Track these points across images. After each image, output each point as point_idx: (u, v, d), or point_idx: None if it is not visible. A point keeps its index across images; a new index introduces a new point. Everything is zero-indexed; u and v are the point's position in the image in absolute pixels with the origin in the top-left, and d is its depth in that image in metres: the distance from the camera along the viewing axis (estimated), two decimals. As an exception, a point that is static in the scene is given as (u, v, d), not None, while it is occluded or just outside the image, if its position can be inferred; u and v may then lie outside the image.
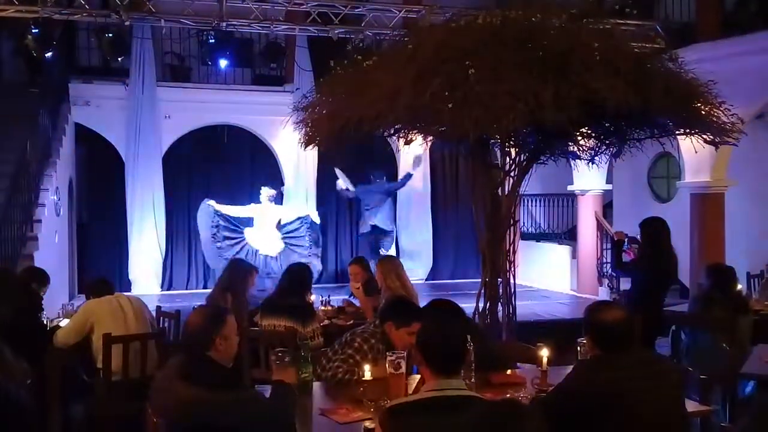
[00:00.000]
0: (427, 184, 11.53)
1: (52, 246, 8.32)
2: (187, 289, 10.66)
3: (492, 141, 5.67)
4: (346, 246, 11.53)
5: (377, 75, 5.00)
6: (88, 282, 5.94)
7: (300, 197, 10.73)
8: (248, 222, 9.62)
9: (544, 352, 3.54)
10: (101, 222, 10.66)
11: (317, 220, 10.12)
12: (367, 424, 2.78)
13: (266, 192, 9.56)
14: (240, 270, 5.44)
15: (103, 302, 4.79)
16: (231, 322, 2.87)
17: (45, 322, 5.23)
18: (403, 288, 5.30)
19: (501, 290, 5.72)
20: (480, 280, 5.93)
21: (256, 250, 9.33)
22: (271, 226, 9.61)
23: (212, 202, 9.47)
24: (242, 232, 9.44)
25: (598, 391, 2.69)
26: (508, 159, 5.75)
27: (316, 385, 3.55)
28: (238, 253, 9.09)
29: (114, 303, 4.79)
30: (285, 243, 9.58)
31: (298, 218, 9.85)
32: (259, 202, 9.67)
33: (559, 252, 11.21)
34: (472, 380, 3.27)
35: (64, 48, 9.90)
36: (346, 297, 6.60)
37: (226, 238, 9.35)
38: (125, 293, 5.83)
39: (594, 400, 2.68)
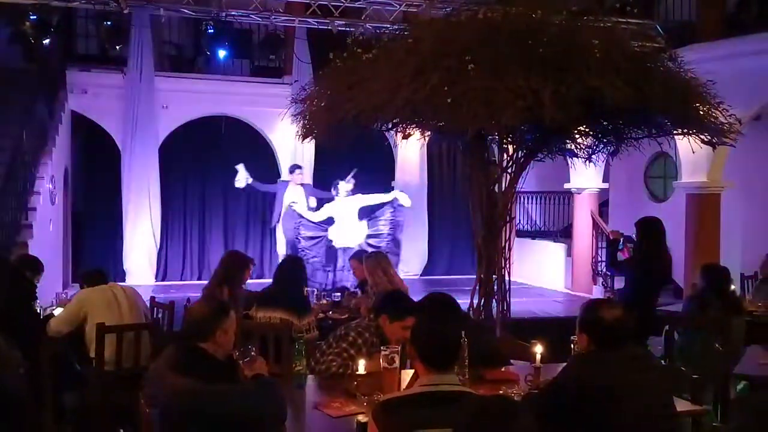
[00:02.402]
0: (424, 180, 11.52)
1: (46, 234, 8.29)
2: (181, 280, 10.64)
3: (490, 137, 5.67)
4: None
5: (376, 68, 5.00)
6: (83, 271, 5.92)
7: (297, 190, 10.69)
8: (330, 222, 9.04)
9: (538, 349, 3.54)
10: (96, 211, 10.62)
11: (406, 202, 8.99)
12: (360, 418, 2.78)
13: (344, 187, 8.89)
14: (236, 263, 5.43)
15: (97, 292, 4.77)
16: (233, 317, 2.91)
17: (38, 311, 5.22)
18: (390, 284, 5.29)
19: (496, 287, 5.73)
20: (475, 276, 5.94)
21: (339, 249, 8.72)
22: (354, 218, 8.92)
23: (295, 206, 8.99)
24: (325, 230, 8.90)
25: (590, 385, 2.71)
26: (505, 156, 5.76)
27: (310, 379, 3.55)
28: (318, 251, 8.70)
29: (108, 293, 4.78)
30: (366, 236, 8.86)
31: (382, 204, 8.97)
32: (332, 200, 9.11)
33: (555, 250, 11.22)
34: (466, 376, 3.28)
35: (62, 35, 9.84)
36: (348, 288, 6.58)
37: (310, 238, 8.86)
38: (119, 283, 5.82)
39: (586, 394, 2.69)
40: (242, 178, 9.14)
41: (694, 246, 8.78)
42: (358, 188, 9.07)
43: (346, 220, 8.82)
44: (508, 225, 5.90)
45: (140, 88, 10.09)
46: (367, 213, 9.01)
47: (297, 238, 8.72)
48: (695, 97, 5.14)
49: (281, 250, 9.47)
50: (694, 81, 5.20)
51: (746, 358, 4.48)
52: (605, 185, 10.78)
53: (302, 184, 9.36)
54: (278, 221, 9.32)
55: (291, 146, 10.43)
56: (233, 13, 8.68)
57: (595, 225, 10.39)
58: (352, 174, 9.17)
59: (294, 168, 9.46)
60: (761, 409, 2.25)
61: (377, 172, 10.66)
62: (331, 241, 8.73)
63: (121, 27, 9.46)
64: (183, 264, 10.89)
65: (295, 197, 9.14)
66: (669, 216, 7.47)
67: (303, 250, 8.63)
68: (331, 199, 9.28)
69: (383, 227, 8.79)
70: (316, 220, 8.89)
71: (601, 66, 4.61)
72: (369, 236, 8.78)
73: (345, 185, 8.85)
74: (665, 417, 2.83)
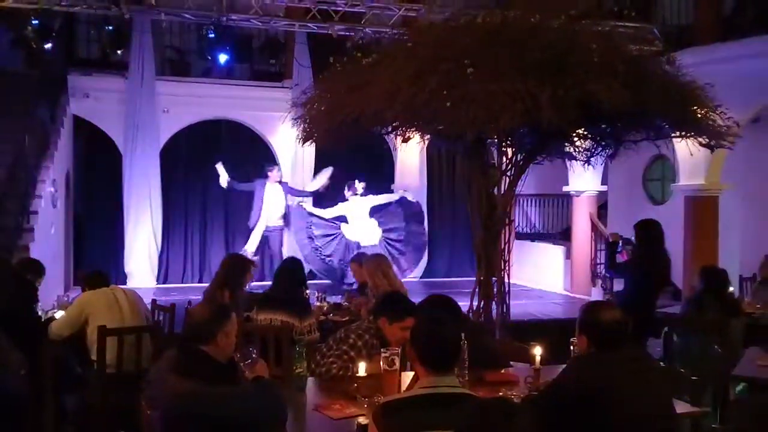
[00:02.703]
0: (424, 183, 11.55)
1: (48, 237, 8.32)
2: (182, 282, 10.65)
3: (489, 141, 5.69)
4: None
5: (376, 72, 5.03)
6: (84, 274, 5.94)
7: (274, 188, 10.69)
8: (342, 220, 9.21)
9: (537, 351, 3.56)
10: (98, 214, 10.64)
11: (411, 198, 9.45)
12: (361, 419, 2.80)
13: (360, 186, 9.08)
14: (237, 265, 5.43)
15: (98, 294, 4.79)
16: (234, 320, 2.93)
17: (40, 314, 5.24)
18: (390, 286, 5.31)
19: (495, 289, 5.76)
20: (475, 278, 5.96)
21: (357, 243, 8.87)
22: (366, 217, 9.08)
23: (305, 204, 9.13)
24: (338, 227, 9.03)
25: (589, 386, 2.72)
26: (504, 159, 5.79)
27: (310, 381, 3.56)
28: (336, 248, 8.82)
29: (109, 295, 4.80)
30: (381, 230, 9.11)
31: (390, 202, 9.37)
32: (346, 200, 9.21)
33: (554, 252, 11.25)
34: (465, 378, 3.30)
35: (64, 40, 9.88)
36: (348, 289, 6.61)
37: (323, 235, 8.97)
38: (121, 286, 5.84)
39: (586, 395, 2.71)
40: (223, 178, 9.22)
41: (693, 248, 8.81)
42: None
43: (360, 219, 8.95)
44: (507, 227, 5.92)
45: (141, 92, 10.12)
46: (378, 212, 9.22)
47: (310, 237, 8.75)
48: (693, 100, 5.17)
49: (250, 248, 9.43)
50: (692, 84, 5.23)
51: (745, 359, 4.49)
52: (604, 188, 10.80)
53: (280, 182, 9.41)
54: (257, 220, 9.36)
55: (291, 150, 10.45)
56: (234, 17, 8.72)
57: (594, 227, 10.41)
58: (329, 174, 9.30)
59: (270, 167, 9.52)
60: (760, 411, 2.27)
61: (377, 176, 10.68)
62: (347, 239, 8.81)
63: (122, 32, 9.49)
64: (184, 267, 10.91)
65: (273, 196, 9.24)
66: (667, 218, 7.48)
67: (317, 249, 8.67)
68: (309, 197, 9.53)
69: (397, 222, 9.15)
70: (327, 218, 9.00)
71: (599, 69, 4.64)
72: (386, 231, 9.01)
73: (360, 185, 8.99)
74: (664, 418, 2.84)
